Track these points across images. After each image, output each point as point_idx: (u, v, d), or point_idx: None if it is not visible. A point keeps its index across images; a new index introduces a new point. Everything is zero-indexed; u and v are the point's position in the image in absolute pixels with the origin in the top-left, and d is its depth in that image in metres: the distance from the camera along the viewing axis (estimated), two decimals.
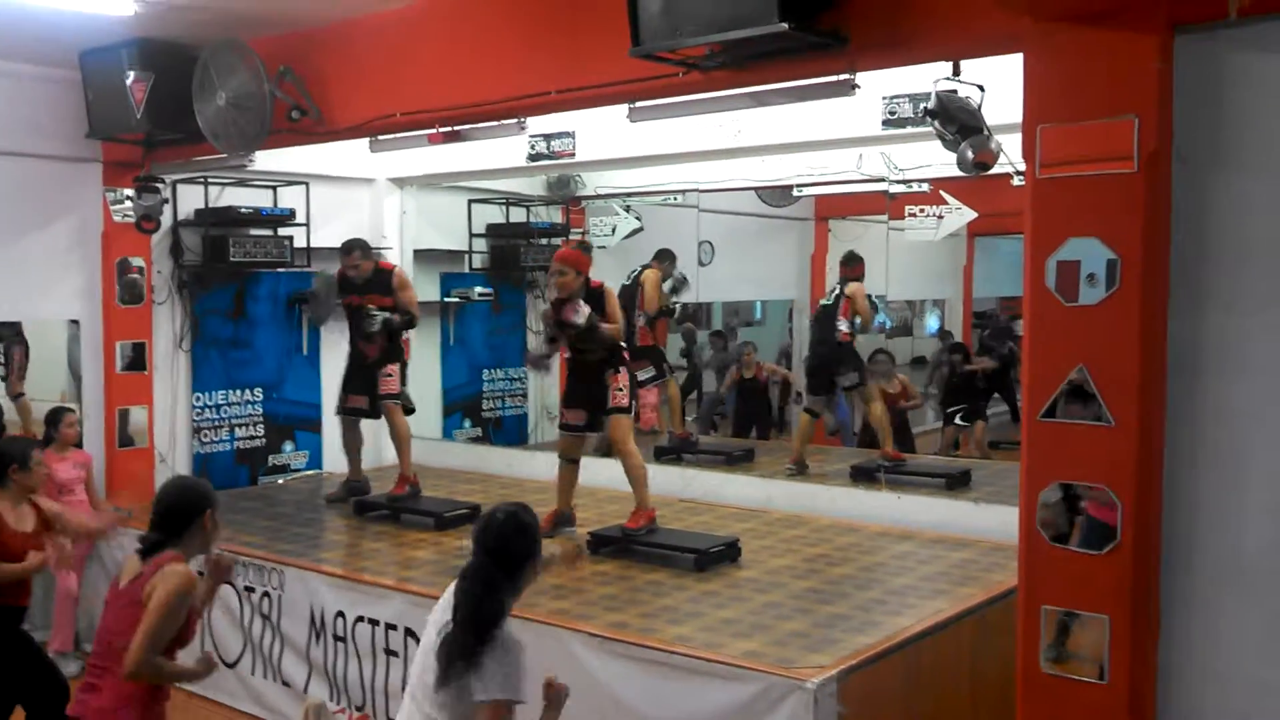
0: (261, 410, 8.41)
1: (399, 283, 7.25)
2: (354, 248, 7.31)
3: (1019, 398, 10.01)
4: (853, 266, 8.35)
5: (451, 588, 3.48)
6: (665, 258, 9.00)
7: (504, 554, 3.39)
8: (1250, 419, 3.43)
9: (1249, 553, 3.44)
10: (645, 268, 8.89)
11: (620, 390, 6.21)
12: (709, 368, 11.32)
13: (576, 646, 4.72)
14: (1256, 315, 3.41)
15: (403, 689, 5.27)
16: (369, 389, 7.29)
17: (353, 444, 7.58)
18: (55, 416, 6.99)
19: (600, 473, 7.00)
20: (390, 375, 7.22)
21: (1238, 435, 3.45)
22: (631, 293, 8.66)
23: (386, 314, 7.13)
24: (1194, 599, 3.52)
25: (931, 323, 11.61)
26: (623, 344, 6.32)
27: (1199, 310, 3.48)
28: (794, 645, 4.53)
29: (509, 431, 10.03)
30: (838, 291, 8.23)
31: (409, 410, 7.56)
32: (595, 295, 6.18)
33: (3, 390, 7.40)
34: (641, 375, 8.72)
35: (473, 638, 3.23)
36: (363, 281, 7.25)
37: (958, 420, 9.64)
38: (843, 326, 8.12)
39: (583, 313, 6.04)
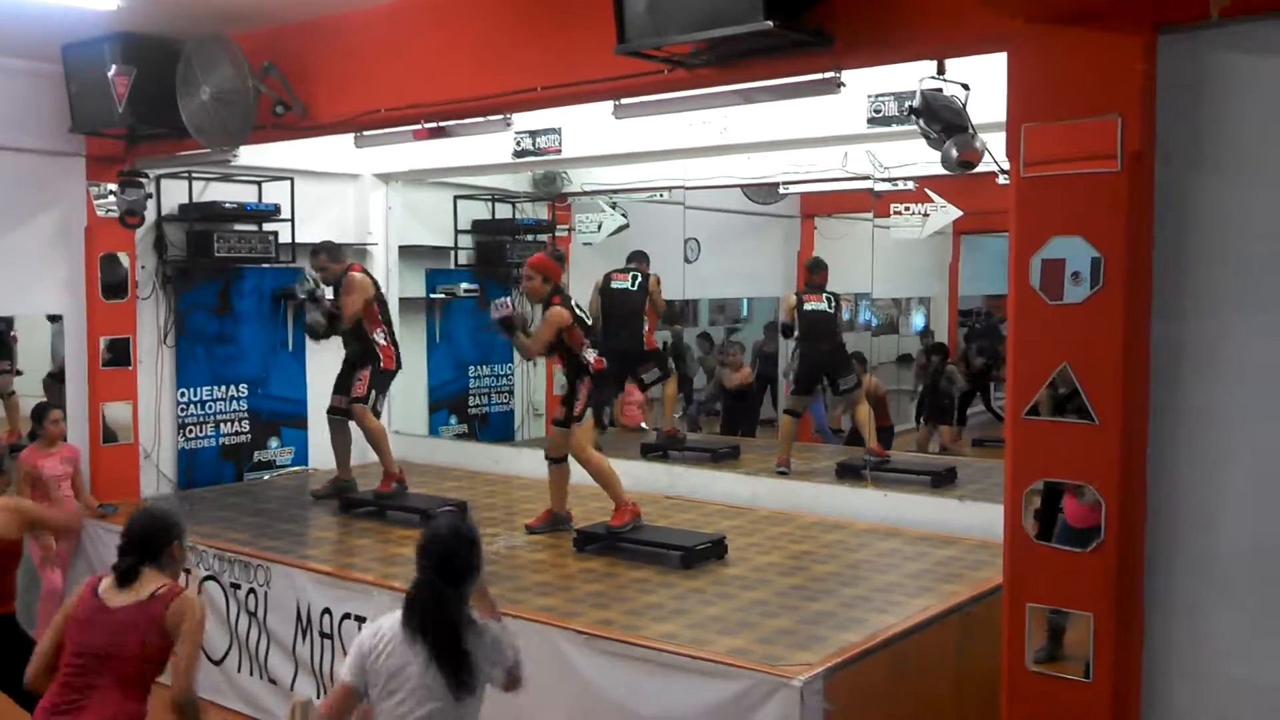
0: (246, 406, 8.38)
1: (346, 285, 7.20)
2: (319, 250, 7.36)
3: (994, 399, 10.12)
4: (820, 273, 8.44)
5: (393, 620, 3.53)
6: (643, 258, 8.98)
7: (449, 568, 3.48)
8: (1231, 418, 3.45)
9: (1230, 552, 3.46)
10: (642, 272, 8.79)
11: (577, 399, 6.32)
12: (700, 367, 11.33)
13: (563, 643, 4.73)
14: (1237, 315, 3.43)
15: None
16: (346, 390, 7.33)
17: (341, 444, 7.57)
18: (41, 412, 6.97)
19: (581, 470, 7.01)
20: (360, 380, 7.23)
21: (1219, 434, 3.46)
22: (638, 298, 8.65)
23: (316, 289, 7.25)
24: (1176, 597, 3.54)
25: (917, 321, 11.65)
26: (587, 358, 6.33)
27: (1181, 310, 3.49)
28: (780, 643, 4.54)
29: (495, 428, 10.01)
30: (836, 301, 8.23)
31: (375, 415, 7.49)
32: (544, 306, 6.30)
33: None
34: (647, 377, 8.75)
35: (453, 640, 3.39)
36: (335, 283, 7.29)
37: (922, 421, 9.69)
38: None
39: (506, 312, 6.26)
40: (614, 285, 8.74)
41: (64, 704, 3.69)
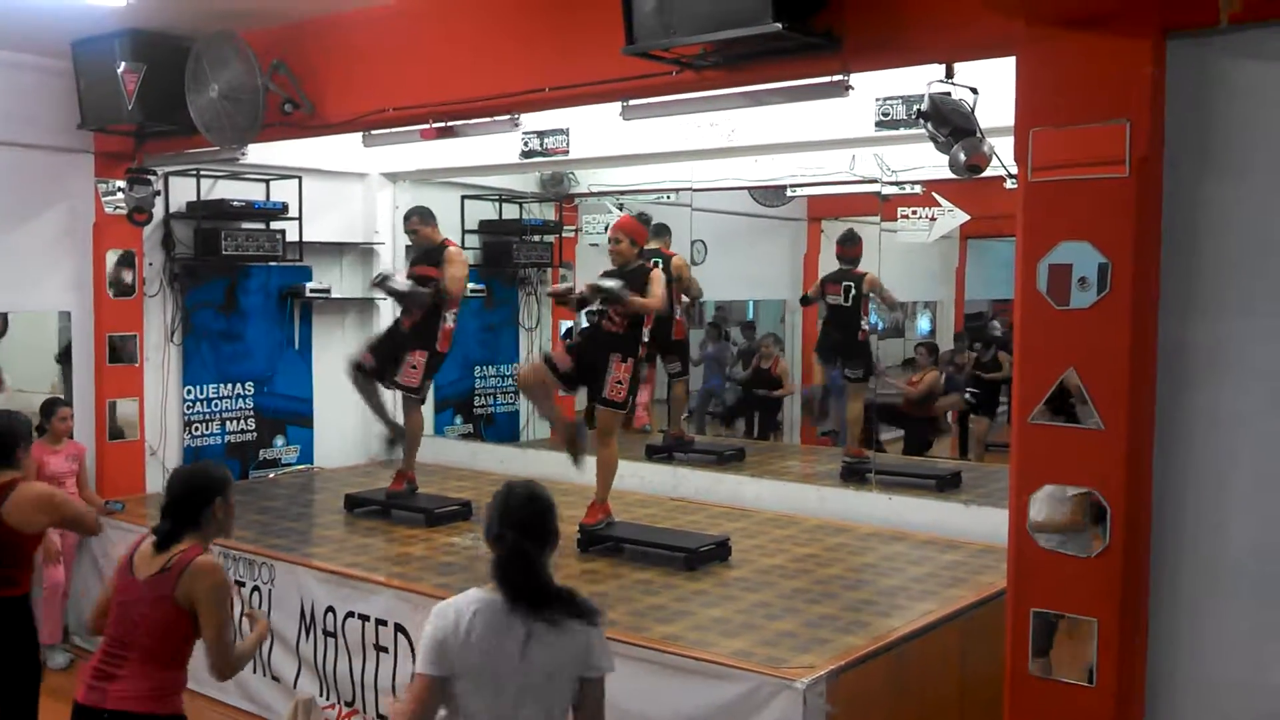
0: (252, 404, 8.39)
1: (447, 258, 6.99)
2: (411, 214, 7.26)
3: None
4: (853, 246, 8.19)
5: (469, 595, 3.15)
6: (665, 232, 8.83)
7: (535, 526, 3.16)
8: (1239, 423, 3.44)
9: (1236, 556, 3.46)
10: (663, 257, 8.46)
11: (620, 383, 6.06)
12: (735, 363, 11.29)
13: None
14: (1246, 320, 3.42)
15: (393, 685, 5.29)
16: (386, 357, 7.03)
17: (370, 394, 7.22)
18: (49, 408, 6.98)
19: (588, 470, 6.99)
20: (415, 367, 6.93)
21: (1226, 440, 3.46)
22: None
23: (411, 284, 6.96)
24: (1181, 602, 3.54)
25: (923, 324, 11.62)
26: (645, 330, 6.12)
27: (1189, 314, 3.49)
28: (783, 645, 4.54)
29: (500, 428, 10.02)
30: (855, 292, 8.12)
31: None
32: (639, 274, 6.13)
33: None
34: (670, 368, 8.73)
35: (547, 602, 3.05)
36: (422, 251, 7.22)
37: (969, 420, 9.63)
38: (864, 325, 8.06)
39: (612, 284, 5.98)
40: None
41: (102, 672, 3.71)
